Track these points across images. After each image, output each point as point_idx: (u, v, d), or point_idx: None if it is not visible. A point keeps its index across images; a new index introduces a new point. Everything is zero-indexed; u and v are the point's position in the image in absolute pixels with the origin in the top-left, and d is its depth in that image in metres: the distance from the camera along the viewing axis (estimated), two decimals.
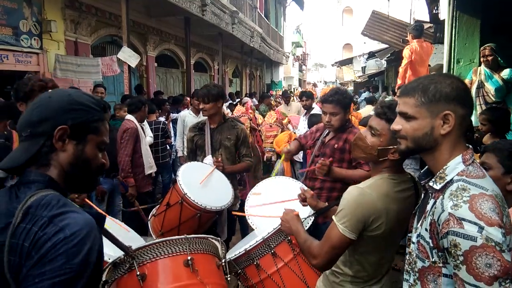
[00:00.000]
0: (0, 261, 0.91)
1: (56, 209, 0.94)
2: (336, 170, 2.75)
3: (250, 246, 1.98)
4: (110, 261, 1.57)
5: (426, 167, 1.29)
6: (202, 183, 2.74)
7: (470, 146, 1.20)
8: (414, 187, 1.61)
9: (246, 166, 3.27)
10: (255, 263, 1.98)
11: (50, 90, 1.34)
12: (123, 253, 1.43)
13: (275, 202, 2.56)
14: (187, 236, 1.51)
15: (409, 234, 1.35)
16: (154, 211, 2.92)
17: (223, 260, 1.60)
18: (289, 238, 2.02)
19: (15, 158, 1.04)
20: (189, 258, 1.43)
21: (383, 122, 1.56)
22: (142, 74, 9.74)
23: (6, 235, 0.92)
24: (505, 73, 4.14)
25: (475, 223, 1.01)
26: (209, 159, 3.09)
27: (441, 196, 1.14)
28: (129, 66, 6.43)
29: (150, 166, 4.25)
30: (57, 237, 0.90)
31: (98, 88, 5.80)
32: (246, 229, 3.72)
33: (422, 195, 1.35)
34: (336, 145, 2.84)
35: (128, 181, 3.90)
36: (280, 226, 1.98)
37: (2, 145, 2.71)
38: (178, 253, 1.44)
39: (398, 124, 1.25)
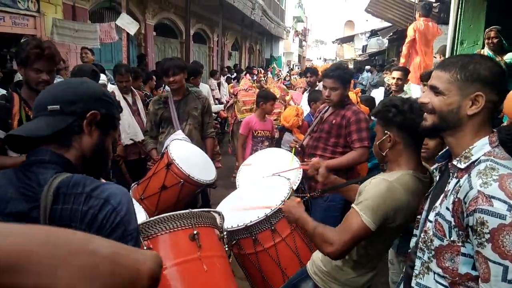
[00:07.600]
0: None
1: (89, 185, 0.93)
2: (328, 163, 2.57)
3: (251, 222, 1.98)
4: None
5: (445, 149, 1.30)
6: (188, 157, 2.77)
7: (495, 130, 1.20)
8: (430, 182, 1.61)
9: (213, 140, 3.52)
10: (253, 237, 2.00)
11: (80, 78, 1.27)
12: None
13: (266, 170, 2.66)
14: (191, 210, 1.51)
15: (418, 216, 1.37)
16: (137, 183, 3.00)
17: (224, 233, 1.61)
18: None
19: (38, 128, 0.97)
20: (195, 232, 1.43)
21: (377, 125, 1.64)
22: (141, 43, 9.55)
23: (32, 218, 0.89)
24: (508, 56, 4.13)
25: (505, 202, 1.02)
26: (179, 133, 3.11)
27: (466, 175, 1.14)
28: (127, 34, 6.30)
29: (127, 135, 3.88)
30: (106, 209, 0.90)
31: (85, 49, 5.69)
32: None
33: (437, 177, 1.37)
34: (334, 121, 2.85)
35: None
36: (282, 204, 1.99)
37: None
38: (183, 227, 1.44)
39: (426, 97, 1.25)
